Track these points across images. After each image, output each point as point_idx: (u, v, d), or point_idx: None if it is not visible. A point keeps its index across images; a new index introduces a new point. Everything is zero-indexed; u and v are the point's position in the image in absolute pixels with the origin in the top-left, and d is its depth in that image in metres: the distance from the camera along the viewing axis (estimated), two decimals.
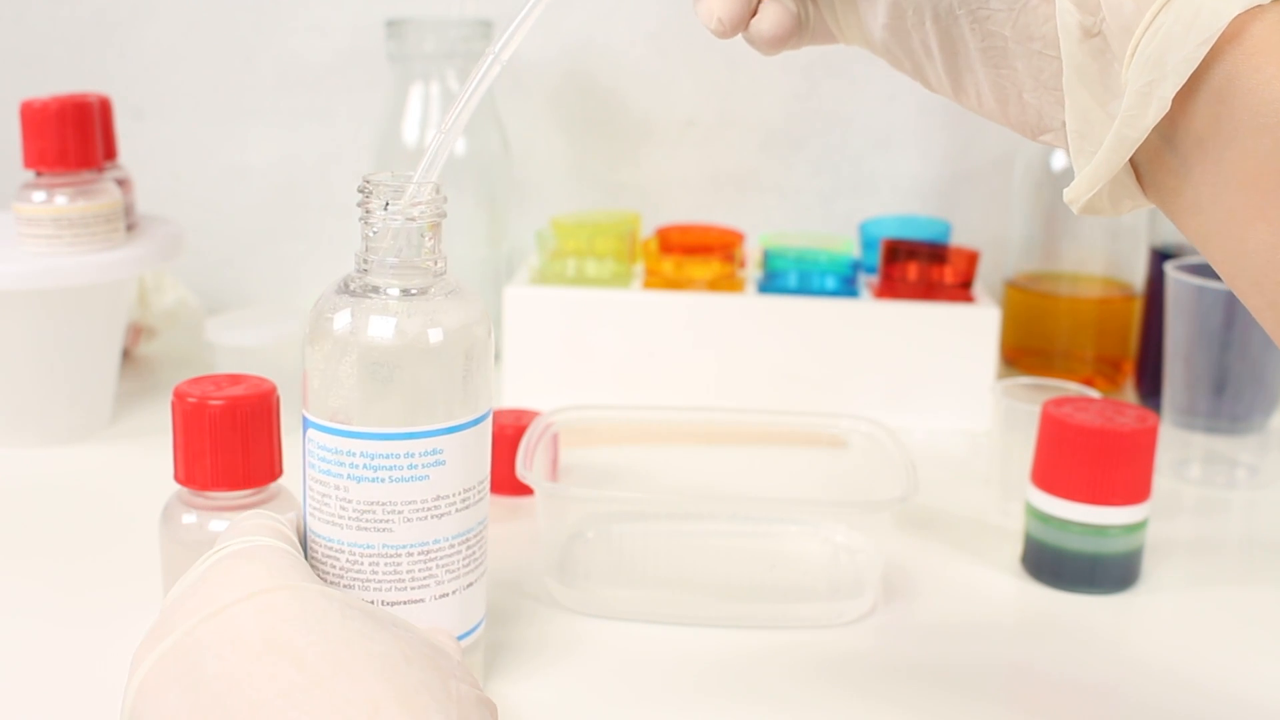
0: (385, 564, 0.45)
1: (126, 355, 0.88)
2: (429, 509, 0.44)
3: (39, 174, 0.70)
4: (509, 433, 0.66)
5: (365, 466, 0.44)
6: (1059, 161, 0.86)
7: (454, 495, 0.45)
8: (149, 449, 0.72)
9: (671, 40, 0.97)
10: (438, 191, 0.44)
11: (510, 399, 0.80)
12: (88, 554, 0.60)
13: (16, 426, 0.73)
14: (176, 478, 0.50)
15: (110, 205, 0.71)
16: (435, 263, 0.45)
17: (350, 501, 0.44)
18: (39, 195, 0.70)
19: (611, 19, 0.97)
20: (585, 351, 0.80)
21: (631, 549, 0.61)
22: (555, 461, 0.65)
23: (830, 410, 0.75)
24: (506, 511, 0.66)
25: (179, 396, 0.49)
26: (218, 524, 0.49)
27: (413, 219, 0.44)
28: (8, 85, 0.96)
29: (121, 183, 0.78)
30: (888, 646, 0.54)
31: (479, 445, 0.46)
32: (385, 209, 0.43)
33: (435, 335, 0.44)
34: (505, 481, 0.66)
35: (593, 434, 0.66)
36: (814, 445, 0.65)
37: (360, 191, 0.44)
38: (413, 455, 0.44)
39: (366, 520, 0.44)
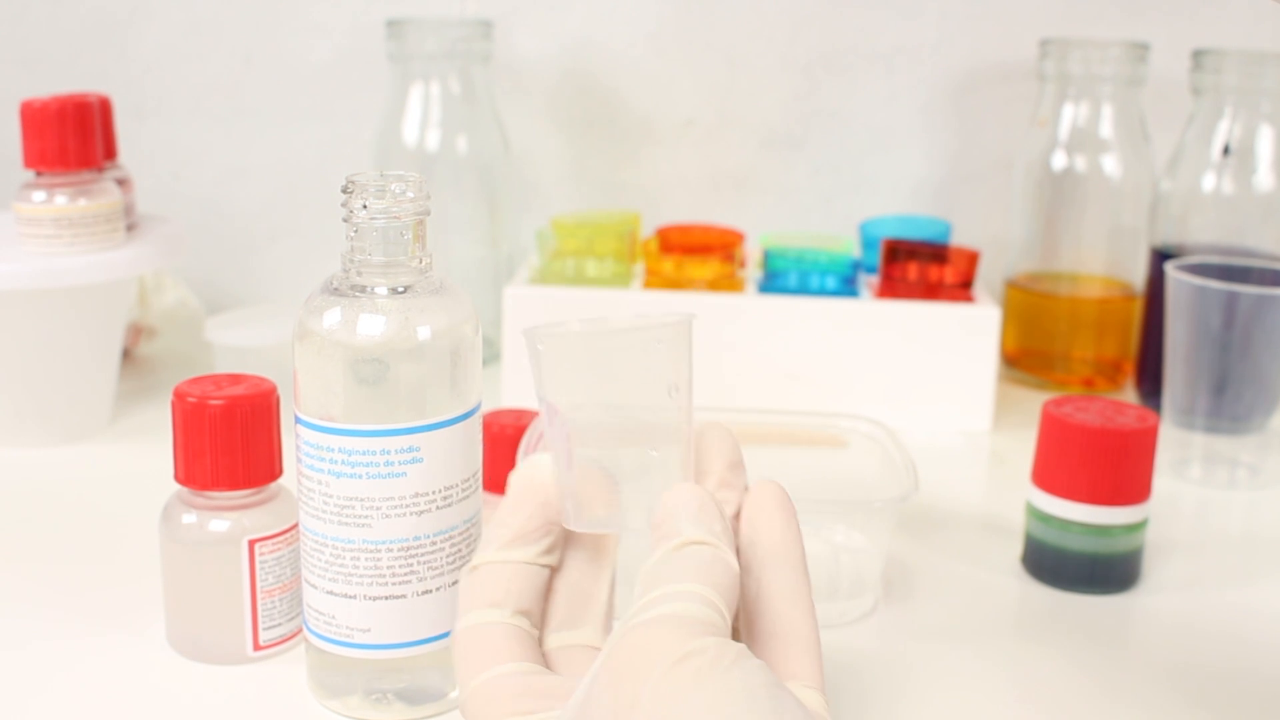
0: (366, 559, 0.45)
1: (126, 355, 0.88)
2: (408, 506, 0.45)
3: (39, 174, 0.70)
4: (509, 433, 0.66)
5: (344, 462, 0.44)
6: (1059, 161, 0.86)
7: (434, 493, 0.45)
8: (149, 449, 0.72)
9: (671, 40, 0.97)
10: (421, 189, 0.44)
11: (510, 399, 0.80)
12: (87, 554, 0.60)
13: (16, 426, 0.73)
14: (176, 477, 0.50)
15: (110, 205, 0.71)
16: (420, 261, 0.45)
17: (331, 496, 0.45)
18: (39, 195, 0.70)
19: (611, 19, 0.97)
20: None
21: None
22: None
23: (830, 410, 0.75)
24: None
25: (179, 396, 0.49)
26: (218, 524, 0.49)
27: (395, 217, 0.44)
28: (8, 85, 0.96)
29: (121, 183, 0.78)
30: (888, 646, 0.54)
31: (462, 443, 0.45)
32: (364, 208, 0.43)
33: (423, 333, 0.44)
34: (505, 481, 0.66)
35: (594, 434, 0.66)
36: (814, 445, 0.65)
37: (343, 191, 0.44)
38: (389, 452, 0.44)
39: (347, 515, 0.45)
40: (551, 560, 0.41)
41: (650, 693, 0.32)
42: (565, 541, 0.42)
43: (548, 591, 0.41)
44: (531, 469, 0.42)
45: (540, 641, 0.40)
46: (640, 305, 0.80)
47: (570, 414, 0.40)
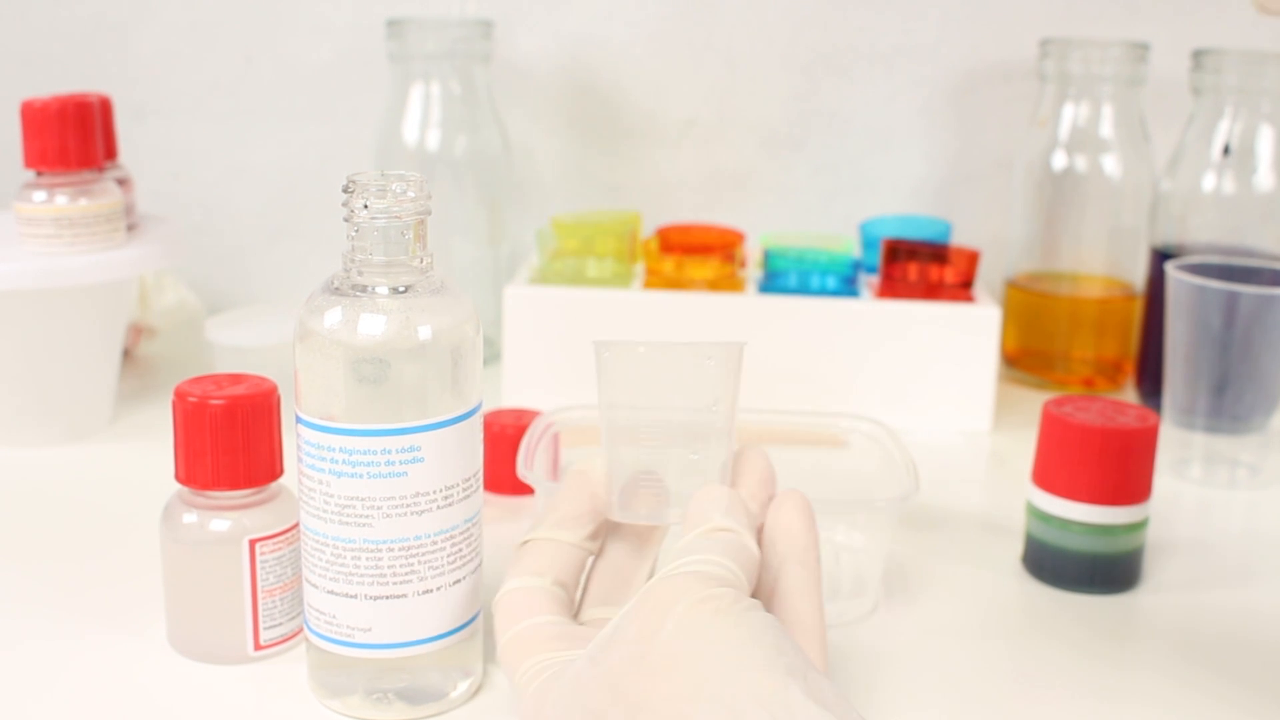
0: (367, 559, 0.45)
1: (126, 355, 0.88)
2: (408, 505, 0.45)
3: (39, 174, 0.70)
4: (509, 433, 0.66)
5: (344, 462, 0.44)
6: (1059, 161, 0.86)
7: (434, 492, 0.45)
8: (149, 449, 0.72)
9: (671, 40, 0.97)
10: (422, 189, 0.44)
11: (510, 399, 0.80)
12: (88, 554, 0.60)
13: (16, 426, 0.73)
14: (177, 477, 0.50)
15: (110, 205, 0.71)
16: (421, 261, 0.45)
17: (332, 496, 0.45)
18: (39, 195, 0.70)
19: (611, 19, 0.97)
20: (585, 351, 0.80)
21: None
22: (556, 461, 0.65)
23: (830, 410, 0.75)
24: (506, 511, 0.66)
25: (179, 396, 0.49)
26: (218, 523, 0.49)
27: (396, 217, 0.44)
28: (8, 85, 0.96)
29: (122, 183, 0.78)
30: (888, 646, 0.54)
31: (462, 442, 0.45)
32: (365, 208, 0.44)
33: (424, 333, 0.44)
34: (505, 481, 0.66)
35: (594, 434, 0.66)
36: (814, 445, 0.65)
37: (344, 190, 0.44)
38: (389, 452, 0.44)
39: (347, 515, 0.45)
40: (593, 546, 0.46)
41: (673, 623, 0.37)
42: (610, 532, 0.46)
43: (588, 573, 0.46)
44: (586, 463, 0.46)
45: (576, 615, 0.45)
46: (642, 305, 0.80)
47: (624, 418, 0.45)
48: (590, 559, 0.46)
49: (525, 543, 0.45)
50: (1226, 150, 0.81)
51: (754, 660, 0.35)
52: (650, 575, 0.46)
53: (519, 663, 0.42)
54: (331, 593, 0.46)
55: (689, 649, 0.36)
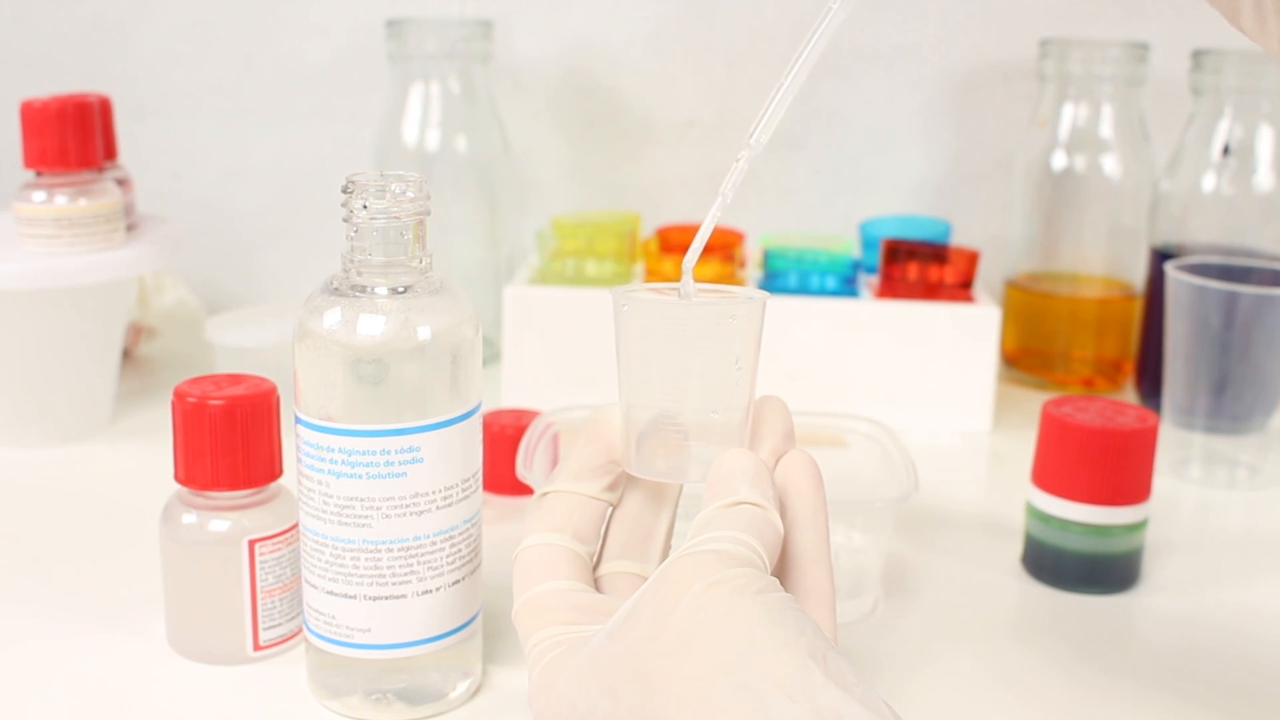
0: (366, 559, 0.45)
1: (126, 355, 0.88)
2: (408, 506, 0.45)
3: (39, 174, 0.70)
4: (509, 433, 0.66)
5: (344, 462, 0.44)
6: (1059, 161, 0.86)
7: (434, 493, 0.45)
8: (149, 449, 0.72)
9: (671, 40, 0.97)
10: (421, 189, 0.44)
11: (510, 399, 0.80)
12: (88, 554, 0.60)
13: (16, 426, 0.73)
14: (176, 478, 0.50)
15: (110, 205, 0.71)
16: (420, 261, 0.45)
17: (331, 496, 0.45)
18: (39, 195, 0.70)
19: (611, 19, 0.97)
20: (585, 351, 0.80)
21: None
22: (555, 461, 0.65)
23: (830, 410, 0.75)
24: (507, 512, 0.66)
25: (179, 396, 0.49)
26: (218, 524, 0.49)
27: (395, 217, 0.44)
28: (8, 85, 0.96)
29: (121, 183, 0.78)
30: (887, 646, 0.54)
31: (462, 443, 0.46)
32: (364, 208, 0.44)
33: (423, 333, 0.44)
34: (505, 481, 0.66)
35: None
36: (814, 445, 0.65)
37: (343, 191, 0.44)
38: (389, 452, 0.44)
39: (347, 515, 0.45)
40: (612, 497, 0.45)
41: (688, 603, 0.36)
42: (628, 483, 0.46)
43: (608, 525, 0.46)
44: (603, 413, 0.46)
45: (595, 567, 0.45)
46: None
47: (640, 372, 0.44)
48: (609, 510, 0.45)
49: (543, 495, 0.45)
50: (1226, 150, 0.81)
51: (774, 642, 0.35)
52: (671, 526, 0.46)
53: (532, 632, 0.42)
54: (331, 593, 0.46)
55: (707, 630, 0.36)
